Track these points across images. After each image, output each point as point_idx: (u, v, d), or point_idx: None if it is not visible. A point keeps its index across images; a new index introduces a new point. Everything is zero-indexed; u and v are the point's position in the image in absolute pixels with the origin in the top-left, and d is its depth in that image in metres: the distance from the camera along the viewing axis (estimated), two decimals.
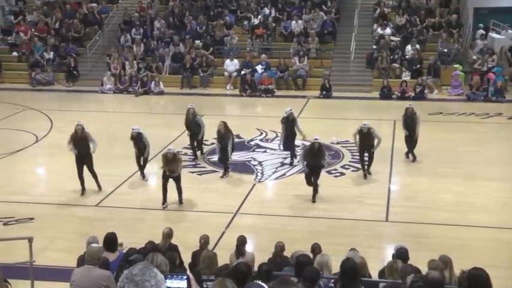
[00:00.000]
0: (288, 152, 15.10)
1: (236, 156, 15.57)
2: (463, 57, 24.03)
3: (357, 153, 14.32)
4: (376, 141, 13.78)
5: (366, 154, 13.95)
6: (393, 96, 22.02)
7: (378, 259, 9.30)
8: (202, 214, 12.28)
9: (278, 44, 25.54)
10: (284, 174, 14.43)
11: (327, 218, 12.02)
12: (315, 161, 12.59)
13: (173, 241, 8.75)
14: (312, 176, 12.67)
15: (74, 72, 24.91)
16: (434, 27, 24.95)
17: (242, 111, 21.73)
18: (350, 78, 23.83)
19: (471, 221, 11.64)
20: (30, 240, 8.71)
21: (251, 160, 15.39)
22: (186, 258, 8.54)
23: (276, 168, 14.81)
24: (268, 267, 6.82)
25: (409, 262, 7.48)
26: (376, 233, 11.38)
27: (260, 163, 15.15)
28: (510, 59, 23.39)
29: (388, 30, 24.86)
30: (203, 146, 15.74)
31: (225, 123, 14.05)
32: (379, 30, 24.92)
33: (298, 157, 14.05)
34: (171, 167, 12.28)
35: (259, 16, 26.35)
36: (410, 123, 14.63)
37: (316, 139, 12.70)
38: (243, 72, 23.71)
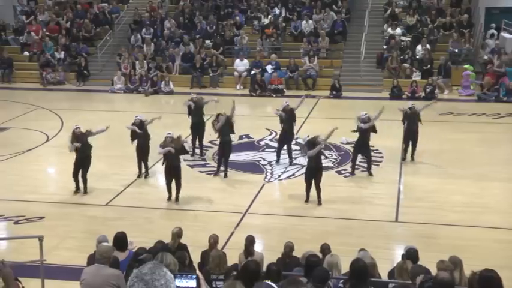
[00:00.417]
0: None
1: (245, 156, 15.62)
2: (474, 58, 23.90)
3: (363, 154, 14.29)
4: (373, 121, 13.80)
5: (362, 156, 14.00)
6: (403, 96, 21.95)
7: (387, 259, 9.28)
8: (211, 214, 12.30)
9: (288, 44, 25.53)
10: (293, 174, 14.42)
11: (336, 218, 12.00)
12: (316, 161, 12.52)
13: (182, 240, 8.76)
14: (312, 178, 12.57)
15: (85, 71, 25.02)
16: (445, 27, 24.85)
17: (252, 111, 21.73)
18: (360, 78, 23.78)
19: (482, 222, 11.57)
20: (40, 239, 8.75)
21: (260, 160, 15.39)
22: (196, 258, 8.55)
23: (286, 168, 14.80)
24: (277, 267, 6.81)
25: (418, 263, 7.45)
26: (385, 233, 11.35)
27: (269, 163, 15.15)
28: None
29: (398, 30, 24.79)
30: (204, 148, 15.76)
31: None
32: (390, 30, 24.85)
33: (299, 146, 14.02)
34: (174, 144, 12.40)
35: (269, 16, 26.34)
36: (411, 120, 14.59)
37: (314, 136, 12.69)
38: (253, 72, 23.71)
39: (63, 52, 25.74)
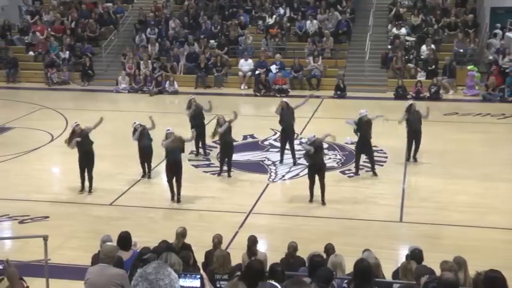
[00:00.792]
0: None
1: (250, 156, 15.62)
2: (479, 58, 23.84)
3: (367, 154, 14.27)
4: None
5: (365, 156, 13.98)
6: (408, 96, 21.88)
7: (391, 260, 9.26)
8: (215, 214, 12.30)
9: (292, 43, 25.52)
10: (298, 174, 14.41)
11: (340, 218, 11.99)
12: (318, 159, 12.48)
13: (187, 240, 8.77)
14: (315, 175, 12.54)
15: (89, 71, 25.07)
16: (450, 27, 24.80)
17: (256, 111, 21.74)
18: (365, 78, 23.75)
19: (486, 222, 11.55)
20: (45, 238, 8.77)
21: (265, 160, 15.39)
22: (200, 258, 8.56)
23: (290, 168, 14.79)
24: (281, 267, 6.81)
25: (423, 263, 7.44)
26: (390, 233, 11.34)
27: (274, 163, 15.15)
28: None
29: (403, 30, 24.75)
30: (208, 148, 15.76)
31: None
32: (394, 30, 24.82)
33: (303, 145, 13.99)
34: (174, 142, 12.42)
35: (274, 16, 26.34)
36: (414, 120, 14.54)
37: (314, 136, 12.64)
38: (257, 72, 23.72)
39: (68, 52, 25.80)
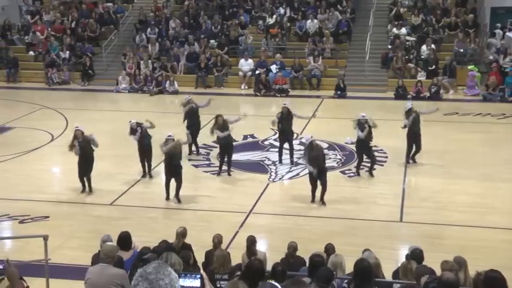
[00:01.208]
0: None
1: (250, 156, 15.62)
2: (479, 58, 23.84)
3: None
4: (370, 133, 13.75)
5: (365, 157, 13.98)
6: (408, 96, 21.91)
7: (392, 260, 9.26)
8: (216, 213, 12.30)
9: (293, 43, 25.52)
10: (298, 174, 14.41)
11: (341, 218, 11.98)
12: (318, 161, 12.42)
13: (187, 240, 8.77)
14: (317, 177, 12.50)
15: (90, 71, 25.08)
16: (450, 27, 24.80)
17: (256, 111, 21.73)
18: (365, 78, 23.76)
19: (486, 222, 11.54)
20: (45, 238, 8.77)
21: (265, 160, 15.39)
22: (200, 258, 8.56)
23: (290, 167, 14.80)
24: (283, 267, 6.82)
25: (423, 263, 7.43)
26: (390, 233, 11.34)
27: (274, 163, 15.15)
28: None
29: (403, 30, 24.75)
30: (209, 148, 15.77)
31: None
32: (395, 30, 24.82)
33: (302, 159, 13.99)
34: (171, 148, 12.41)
35: (274, 16, 26.33)
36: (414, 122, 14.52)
37: (311, 137, 12.57)
38: (257, 72, 23.72)
39: (68, 52, 25.80)
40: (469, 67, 22.69)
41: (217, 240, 8.73)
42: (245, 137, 17.10)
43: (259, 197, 13.08)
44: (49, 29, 27.08)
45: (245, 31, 25.79)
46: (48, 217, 12.02)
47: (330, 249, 8.51)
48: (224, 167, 14.30)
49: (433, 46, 23.61)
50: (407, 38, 24.56)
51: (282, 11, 26.62)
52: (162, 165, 14.16)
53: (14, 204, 12.62)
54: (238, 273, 6.86)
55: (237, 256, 8.41)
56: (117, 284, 6.39)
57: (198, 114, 15.60)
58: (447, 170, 14.42)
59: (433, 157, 14.96)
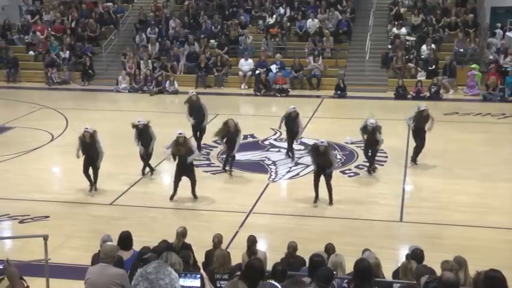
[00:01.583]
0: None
1: (250, 156, 15.61)
2: (479, 57, 23.84)
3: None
4: (379, 142, 13.71)
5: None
6: (408, 96, 21.93)
7: (392, 259, 9.26)
8: (216, 213, 12.30)
9: (293, 43, 25.52)
10: (298, 174, 14.42)
11: (341, 218, 11.98)
12: (323, 162, 12.38)
13: (187, 240, 8.76)
14: (321, 176, 12.47)
15: (90, 71, 25.08)
16: (450, 27, 24.80)
17: (256, 110, 21.74)
18: (365, 78, 23.76)
19: (487, 222, 11.54)
20: (45, 238, 8.77)
21: (265, 159, 15.39)
22: (200, 257, 8.56)
23: (290, 167, 14.80)
24: (283, 267, 6.82)
25: (423, 263, 7.43)
26: (390, 233, 11.33)
27: (274, 163, 15.15)
28: None
29: (403, 30, 24.75)
30: (209, 147, 15.76)
31: (235, 123, 14.03)
32: (395, 30, 24.82)
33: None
34: (179, 149, 12.33)
35: (274, 15, 26.34)
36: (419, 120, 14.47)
37: (322, 142, 12.20)
38: (257, 72, 23.72)
39: (68, 52, 25.80)
40: (472, 66, 22.66)
41: (218, 240, 8.73)
42: (245, 137, 17.06)
43: (259, 196, 13.08)
44: (49, 29, 27.08)
45: (245, 31, 25.79)
46: (48, 217, 12.01)
47: (330, 249, 8.52)
48: (236, 168, 14.30)
49: (433, 46, 23.61)
50: (408, 37, 24.56)
51: (282, 10, 26.62)
52: (162, 166, 14.26)
53: (14, 204, 12.62)
54: (238, 273, 6.85)
55: (237, 256, 8.41)
56: (117, 283, 6.39)
57: (202, 111, 15.41)
58: (447, 170, 14.41)
59: (433, 157, 14.95)
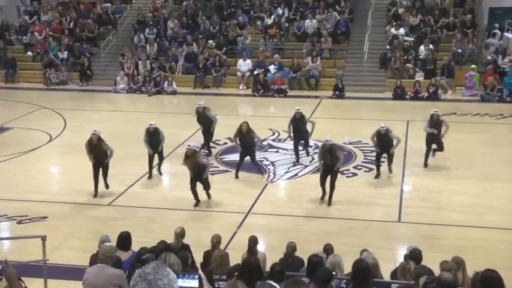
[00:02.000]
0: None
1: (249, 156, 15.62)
2: (477, 58, 23.86)
3: (370, 154, 14.24)
4: (395, 141, 13.73)
5: (385, 155, 13.90)
6: (406, 96, 21.96)
7: (390, 260, 9.26)
8: (214, 214, 12.30)
9: (291, 44, 25.54)
10: (296, 175, 14.42)
11: (339, 219, 11.99)
12: (331, 161, 12.45)
13: (185, 240, 8.76)
14: (327, 176, 12.51)
15: (88, 71, 25.07)
16: (449, 27, 24.83)
17: (255, 111, 21.73)
18: (363, 78, 23.77)
19: (485, 223, 11.55)
20: (43, 238, 8.75)
21: (263, 160, 15.38)
22: (198, 258, 8.55)
23: (288, 168, 14.80)
24: (281, 267, 6.82)
25: (422, 263, 7.44)
26: (388, 233, 11.33)
27: (272, 163, 15.15)
28: None
29: (401, 31, 24.77)
30: (211, 146, 15.78)
31: (248, 124, 14.04)
32: (393, 31, 24.84)
33: (316, 157, 14.00)
34: (187, 161, 12.29)
35: (273, 16, 26.35)
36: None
37: (327, 140, 12.50)
38: (255, 72, 23.72)
39: (66, 52, 25.79)
40: (471, 66, 22.66)
41: (216, 241, 8.73)
42: None
43: (258, 197, 13.08)
44: (47, 29, 27.06)
45: (243, 31, 25.80)
46: (46, 217, 12.00)
47: (328, 249, 8.52)
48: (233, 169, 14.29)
49: (431, 46, 23.63)
50: (406, 38, 24.59)
51: (280, 11, 26.63)
52: (162, 166, 14.30)
53: (12, 205, 12.60)
54: (237, 273, 6.86)
55: (236, 256, 8.40)
56: (115, 284, 6.38)
57: (208, 118, 15.43)
58: (446, 170, 14.42)
59: (431, 157, 14.94)
